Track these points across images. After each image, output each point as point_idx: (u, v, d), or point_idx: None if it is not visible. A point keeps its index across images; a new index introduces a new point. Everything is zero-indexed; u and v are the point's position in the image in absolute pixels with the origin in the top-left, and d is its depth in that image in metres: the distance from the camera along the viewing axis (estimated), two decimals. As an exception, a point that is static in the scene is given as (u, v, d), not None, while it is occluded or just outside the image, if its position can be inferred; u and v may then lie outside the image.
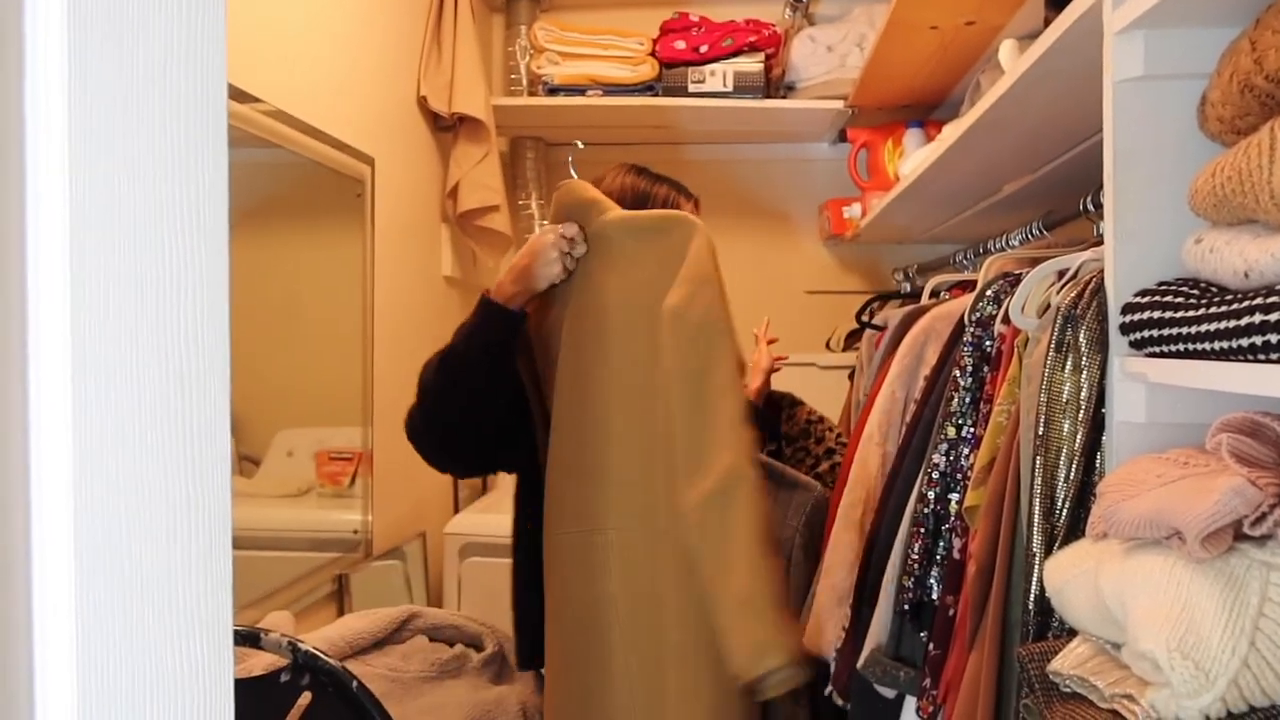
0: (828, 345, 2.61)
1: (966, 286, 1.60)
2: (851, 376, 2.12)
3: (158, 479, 0.46)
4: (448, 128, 2.47)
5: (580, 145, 1.97)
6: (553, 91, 2.51)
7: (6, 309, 0.39)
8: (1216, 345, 0.74)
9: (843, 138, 2.61)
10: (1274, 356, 0.67)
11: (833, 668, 1.34)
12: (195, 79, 0.47)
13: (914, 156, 1.94)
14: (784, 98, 2.53)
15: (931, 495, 1.12)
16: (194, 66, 0.47)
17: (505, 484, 2.77)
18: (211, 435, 0.49)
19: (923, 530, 1.14)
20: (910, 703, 1.17)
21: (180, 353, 0.47)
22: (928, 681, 1.06)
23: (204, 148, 0.48)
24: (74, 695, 0.41)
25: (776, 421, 1.84)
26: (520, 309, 1.27)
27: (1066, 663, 0.79)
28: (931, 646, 1.10)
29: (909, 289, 2.24)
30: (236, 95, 1.55)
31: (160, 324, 0.46)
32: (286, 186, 1.91)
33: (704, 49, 2.47)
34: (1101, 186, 0.97)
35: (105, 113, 0.42)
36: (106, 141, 0.42)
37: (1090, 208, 1.21)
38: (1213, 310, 0.75)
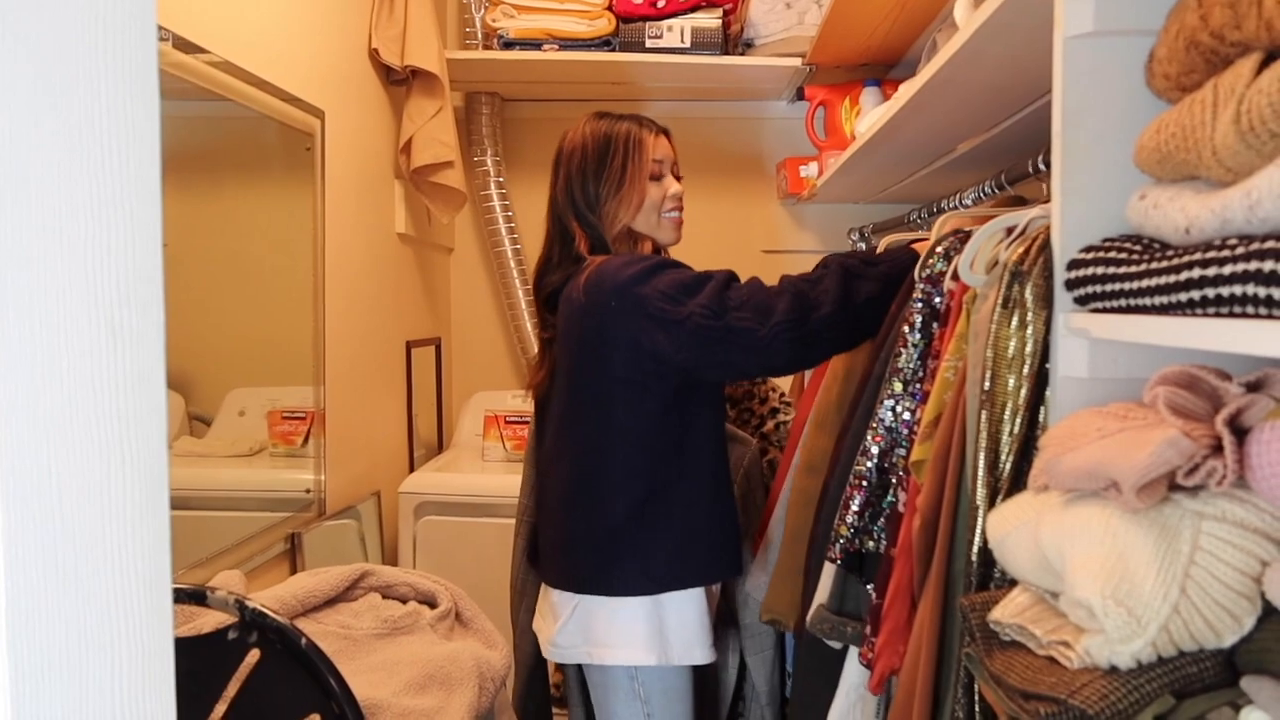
0: (784, 305, 2.62)
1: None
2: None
3: (89, 431, 0.45)
4: (400, 81, 2.42)
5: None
6: (508, 45, 2.47)
7: None
8: (1157, 300, 0.75)
9: (800, 96, 2.60)
10: (1211, 311, 0.68)
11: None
12: (124, 13, 0.46)
13: (870, 115, 1.94)
14: (742, 54, 2.52)
15: (875, 450, 1.13)
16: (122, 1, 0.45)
17: (460, 443, 2.76)
18: (145, 386, 0.48)
19: (865, 484, 1.15)
20: (854, 651, 1.19)
21: (111, 300, 0.46)
22: (869, 629, 1.08)
23: (133, 86, 0.46)
24: (3, 650, 0.40)
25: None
26: None
27: (1006, 612, 0.80)
28: (874, 596, 1.12)
29: (864, 248, 2.25)
30: (181, 45, 1.50)
31: (88, 272, 0.44)
32: (234, 140, 1.86)
33: (662, 4, 2.44)
34: (1051, 145, 0.97)
35: (23, 46, 0.40)
36: (26, 77, 0.40)
37: (1041, 167, 1.22)
38: (1154, 266, 0.76)
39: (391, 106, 2.46)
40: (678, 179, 1.63)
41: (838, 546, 1.15)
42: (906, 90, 1.57)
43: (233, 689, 1.01)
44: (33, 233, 0.41)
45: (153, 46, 0.48)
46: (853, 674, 1.21)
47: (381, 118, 2.41)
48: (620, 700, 1.47)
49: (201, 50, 1.56)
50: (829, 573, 1.21)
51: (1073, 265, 0.88)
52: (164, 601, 0.50)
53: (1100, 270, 0.84)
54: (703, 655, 1.48)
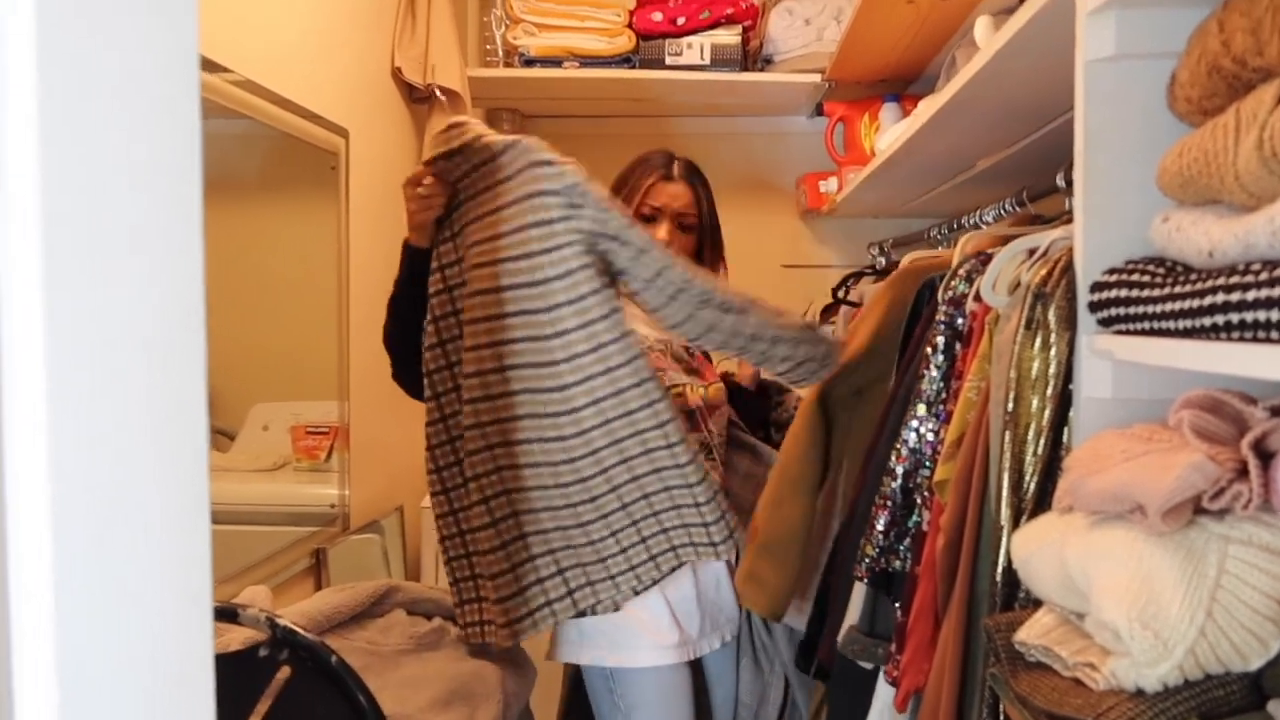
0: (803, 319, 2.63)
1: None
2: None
3: (133, 455, 0.46)
4: (423, 99, 2.45)
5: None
6: (529, 63, 2.49)
7: None
8: (1181, 324, 0.75)
9: (820, 111, 2.61)
10: (1235, 335, 0.69)
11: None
12: (167, 43, 0.47)
13: (890, 132, 1.95)
14: (761, 71, 2.53)
15: (900, 470, 1.14)
16: (166, 30, 0.47)
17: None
18: (187, 410, 0.49)
19: (890, 504, 1.16)
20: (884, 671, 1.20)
21: (153, 325, 0.47)
22: (894, 647, 1.09)
23: (176, 111, 0.48)
24: (52, 669, 0.41)
25: (766, 409, 1.87)
26: (419, 245, 1.51)
27: (1031, 633, 0.81)
28: (900, 614, 1.12)
29: (884, 263, 2.26)
30: (205, 65, 1.53)
31: (132, 298, 0.46)
32: (259, 159, 1.89)
33: (681, 21, 2.45)
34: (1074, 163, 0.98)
35: (76, 77, 0.41)
36: (77, 106, 0.42)
37: (1065, 183, 1.23)
38: (1177, 289, 0.77)
39: (414, 124, 2.48)
40: (688, 228, 1.65)
41: (864, 565, 1.16)
42: (927, 108, 1.58)
43: (264, 706, 1.03)
44: (77, 260, 0.42)
45: (195, 73, 0.49)
46: (885, 695, 1.22)
47: (404, 135, 2.44)
48: (602, 702, 1.51)
49: (225, 70, 1.58)
50: (859, 593, 1.21)
51: (1096, 287, 0.88)
52: (205, 620, 0.51)
53: (1123, 293, 0.84)
54: (662, 656, 1.49)
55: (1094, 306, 0.88)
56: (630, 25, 2.48)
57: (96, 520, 0.43)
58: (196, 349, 0.49)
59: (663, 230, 1.62)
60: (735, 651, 1.68)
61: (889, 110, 2.29)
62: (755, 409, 1.83)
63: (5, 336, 0.40)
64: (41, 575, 0.41)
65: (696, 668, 1.63)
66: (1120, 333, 0.86)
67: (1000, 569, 0.91)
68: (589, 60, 2.47)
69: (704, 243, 1.69)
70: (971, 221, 1.62)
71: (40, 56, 0.40)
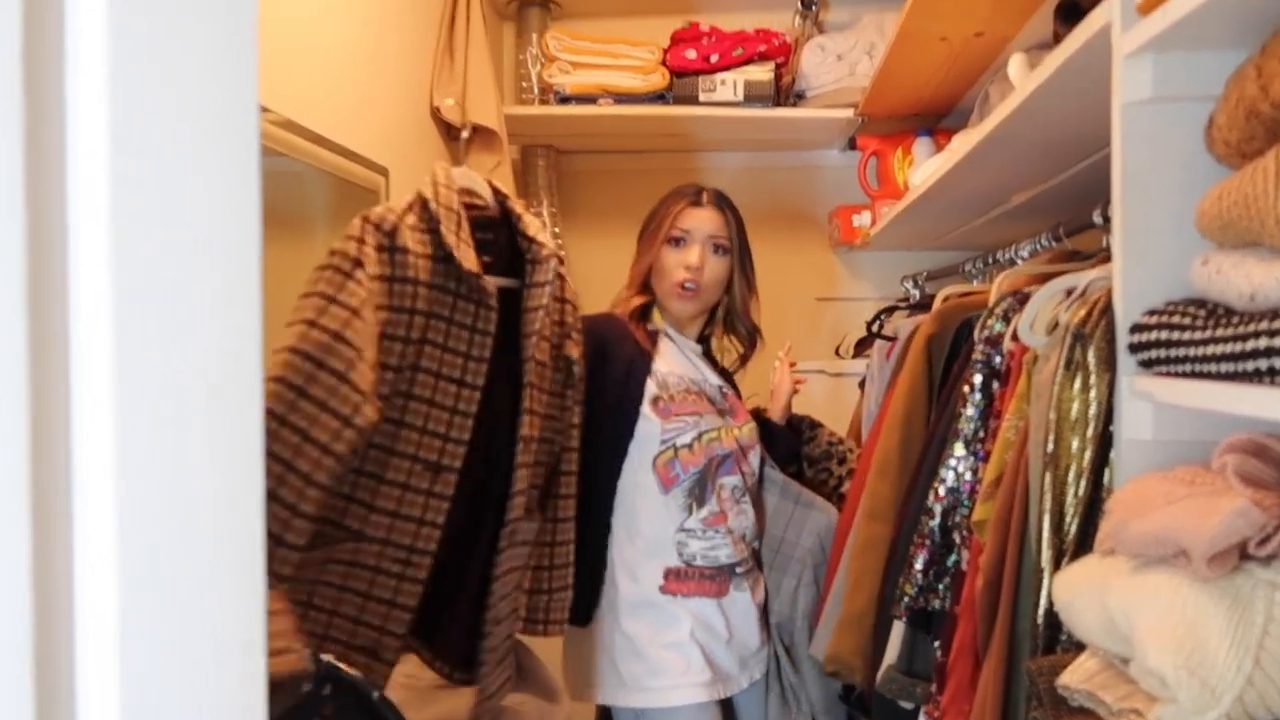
0: (837, 352, 2.63)
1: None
2: (862, 385, 2.13)
3: (193, 505, 0.47)
4: (460, 137, 2.49)
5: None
6: (564, 100, 2.53)
7: (49, 326, 0.40)
8: (1223, 367, 0.75)
9: (852, 145, 2.62)
10: (1278, 380, 0.68)
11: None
12: (229, 93, 0.49)
13: (924, 167, 1.96)
14: (794, 106, 2.55)
15: (938, 509, 1.13)
16: (228, 83, 0.49)
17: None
18: (244, 460, 0.51)
19: (929, 543, 1.15)
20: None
21: (213, 377, 0.49)
22: (934, 687, 1.08)
23: (238, 163, 0.50)
24: (118, 712, 0.43)
25: (797, 443, 1.87)
26: None
27: (1075, 677, 0.80)
28: (940, 654, 1.11)
29: (918, 296, 2.26)
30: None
31: (195, 351, 0.47)
32: (301, 197, 1.92)
33: (714, 58, 2.48)
34: (1111, 200, 0.98)
35: (144, 128, 0.43)
36: (146, 158, 0.44)
37: (1098, 221, 1.23)
38: (1219, 333, 0.77)
39: (452, 161, 2.52)
40: (722, 251, 1.66)
41: (903, 604, 1.15)
42: (961, 144, 1.58)
43: (307, 741, 1.04)
44: (144, 313, 0.44)
45: (254, 123, 0.51)
46: (926, 735, 1.21)
47: (442, 172, 2.48)
48: None
49: (265, 110, 1.63)
50: (897, 632, 1.21)
51: (1136, 329, 0.88)
52: (259, 664, 0.52)
53: (1164, 335, 0.84)
54: (694, 695, 1.51)
55: (1134, 348, 0.88)
56: (664, 63, 2.51)
57: (156, 570, 0.45)
58: (254, 399, 0.51)
59: (694, 254, 1.62)
60: (764, 689, 1.67)
61: (922, 145, 2.30)
62: (785, 444, 1.82)
63: (75, 382, 0.42)
64: (106, 623, 0.42)
65: (725, 705, 1.62)
66: (1161, 374, 0.86)
67: (1042, 611, 0.90)
68: (623, 97, 2.51)
69: (736, 268, 1.69)
70: (1007, 256, 1.62)
71: (112, 117, 0.42)
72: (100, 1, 0.41)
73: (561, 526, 1.46)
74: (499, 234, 1.34)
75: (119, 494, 0.42)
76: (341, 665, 1.05)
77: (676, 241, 1.64)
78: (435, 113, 2.39)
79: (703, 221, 1.65)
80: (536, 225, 1.34)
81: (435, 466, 1.21)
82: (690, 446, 1.56)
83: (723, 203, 1.69)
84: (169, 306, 0.46)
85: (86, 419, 0.41)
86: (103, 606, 0.42)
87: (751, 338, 1.74)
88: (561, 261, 1.39)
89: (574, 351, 1.42)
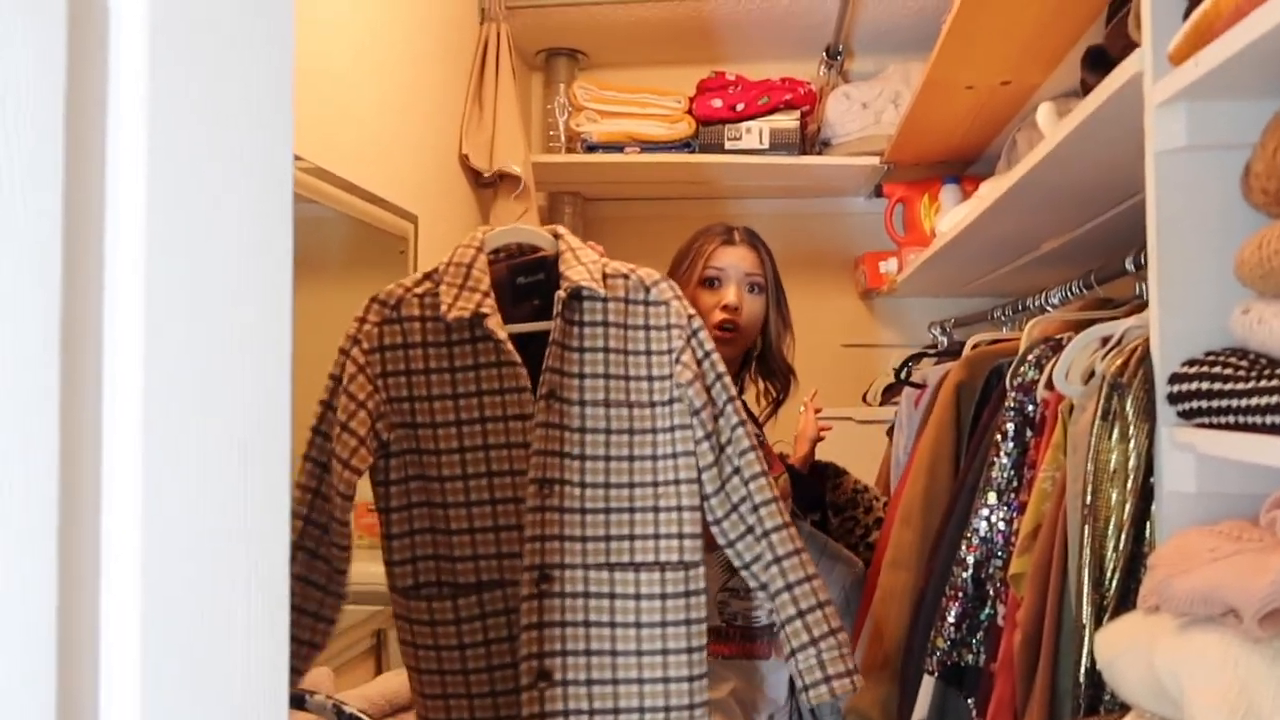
0: (864, 399, 2.61)
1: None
2: (890, 433, 2.11)
3: (220, 550, 0.47)
4: (488, 184, 2.52)
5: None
6: (591, 149, 2.55)
7: (82, 380, 0.40)
8: (1269, 419, 0.73)
9: (879, 192, 2.62)
10: (1328, 433, 0.67)
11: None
12: (263, 145, 0.49)
13: (951, 214, 1.95)
14: (819, 154, 2.56)
15: (971, 560, 1.11)
16: (263, 133, 0.49)
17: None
18: (272, 507, 0.50)
19: (961, 595, 1.13)
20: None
21: (242, 425, 0.48)
22: (974, 750, 1.05)
23: (272, 216, 0.50)
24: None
25: (821, 490, 1.84)
26: None
27: (1120, 740, 0.78)
28: (976, 713, 1.08)
29: (945, 343, 2.24)
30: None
31: (224, 400, 0.47)
32: (330, 243, 1.95)
33: (740, 107, 2.50)
34: (1144, 246, 0.97)
35: (179, 183, 0.44)
36: (181, 215, 0.44)
37: (1130, 267, 1.21)
38: (1263, 384, 0.75)
39: (479, 209, 2.55)
40: (758, 289, 1.62)
41: (934, 659, 1.12)
42: (990, 191, 1.58)
43: (329, 794, 1.03)
44: (173, 362, 0.44)
45: (288, 180, 0.51)
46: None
47: (470, 220, 2.50)
48: None
49: (298, 159, 1.65)
50: (927, 686, 1.18)
51: (1175, 379, 0.87)
52: (281, 711, 0.52)
53: (1205, 385, 0.83)
54: None
55: (1173, 398, 0.86)
56: (690, 111, 2.53)
57: (182, 619, 0.44)
58: (281, 448, 0.51)
59: (731, 293, 1.57)
60: None
61: (949, 192, 2.30)
62: (809, 492, 1.79)
63: (106, 435, 0.42)
64: (129, 666, 0.42)
65: None
66: (1202, 425, 0.84)
67: (1084, 669, 0.87)
68: (650, 145, 2.53)
69: (772, 307, 1.66)
70: (1036, 303, 1.60)
71: (151, 170, 0.42)
72: (142, 53, 0.41)
73: (785, 564, 1.24)
74: (552, 275, 1.32)
75: (145, 545, 0.42)
76: (363, 716, 1.04)
77: (710, 282, 1.59)
78: (464, 160, 2.42)
79: (737, 260, 1.60)
80: (576, 266, 1.28)
81: (459, 503, 1.27)
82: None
83: (755, 240, 1.66)
84: (201, 352, 0.46)
85: (116, 464, 0.41)
86: (125, 652, 0.42)
87: (786, 380, 1.69)
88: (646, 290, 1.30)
89: (683, 377, 1.27)
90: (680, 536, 1.24)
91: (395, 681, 1.51)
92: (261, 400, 0.50)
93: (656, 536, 1.25)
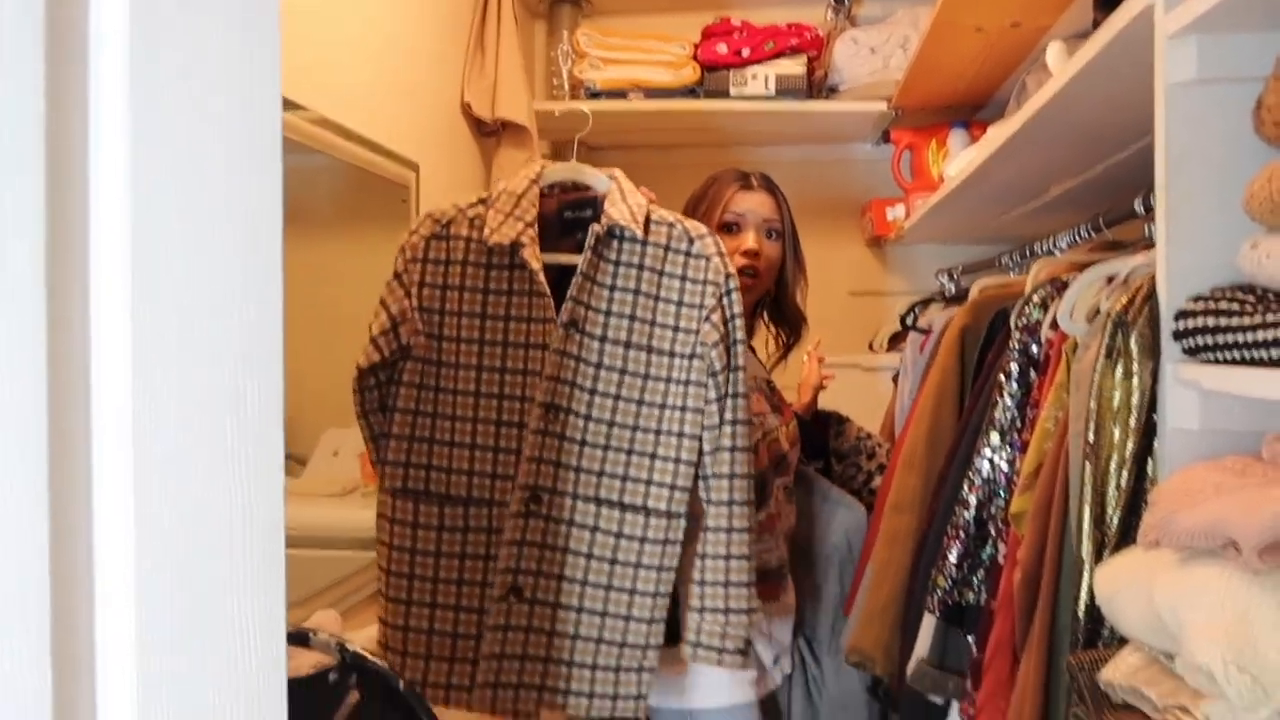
0: (870, 346, 2.60)
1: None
2: (895, 379, 2.11)
3: (215, 495, 0.47)
4: (491, 133, 2.49)
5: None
6: (595, 96, 2.52)
7: (69, 327, 0.40)
8: (1273, 353, 0.73)
9: (886, 138, 2.59)
10: (1333, 365, 0.66)
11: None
12: (250, 91, 0.48)
13: (959, 158, 1.93)
14: (827, 99, 2.52)
15: (973, 500, 1.11)
16: (249, 80, 0.48)
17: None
18: (265, 451, 0.50)
19: (962, 535, 1.13)
20: (956, 707, 1.17)
21: (234, 370, 0.48)
22: (970, 684, 1.06)
23: (259, 165, 0.49)
24: (136, 697, 0.42)
25: (825, 438, 1.84)
26: None
27: (1118, 672, 0.78)
28: (975, 649, 1.09)
29: (953, 290, 2.22)
30: (285, 104, 1.57)
31: (216, 344, 0.47)
32: (332, 192, 1.93)
33: (746, 52, 2.46)
34: (1154, 187, 0.96)
35: (165, 128, 0.43)
36: (167, 157, 0.43)
37: (1141, 210, 1.20)
38: (1269, 318, 0.74)
39: (482, 157, 2.53)
40: (776, 235, 1.61)
41: (935, 598, 1.13)
42: (997, 134, 1.55)
43: (336, 730, 1.04)
44: (165, 309, 0.43)
45: (277, 121, 0.51)
46: (955, 730, 1.19)
47: (473, 168, 2.48)
48: None
49: (300, 108, 1.63)
50: (928, 625, 1.18)
51: (1181, 315, 0.86)
52: (279, 651, 0.52)
53: (1211, 321, 0.82)
54: (744, 694, 1.44)
55: (1179, 335, 0.86)
56: (695, 57, 2.49)
57: (177, 561, 0.44)
58: (275, 393, 0.50)
59: (750, 238, 1.57)
60: (789, 683, 1.65)
61: (957, 137, 2.27)
62: (812, 439, 1.79)
63: (95, 372, 0.41)
64: (123, 605, 0.42)
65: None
66: (1207, 362, 0.84)
67: (1083, 605, 0.88)
68: (654, 92, 2.49)
69: (789, 253, 1.65)
70: (1045, 248, 1.58)
71: (134, 117, 0.41)
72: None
73: (710, 537, 1.30)
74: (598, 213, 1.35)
75: (137, 491, 0.42)
76: (368, 655, 1.05)
77: (729, 227, 1.58)
78: (466, 108, 2.39)
79: (756, 205, 1.60)
80: (620, 205, 1.30)
81: (467, 419, 1.31)
82: (755, 448, 1.48)
83: (772, 186, 1.65)
84: (190, 287, 0.45)
85: (105, 416, 0.41)
86: (121, 599, 0.42)
87: (798, 326, 1.69)
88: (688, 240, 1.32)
89: (710, 337, 1.28)
90: (671, 487, 1.28)
91: (402, 624, 1.53)
92: (254, 349, 0.49)
93: (648, 482, 1.28)
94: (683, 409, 1.27)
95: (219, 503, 0.47)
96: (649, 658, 1.28)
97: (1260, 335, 0.74)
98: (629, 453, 1.28)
